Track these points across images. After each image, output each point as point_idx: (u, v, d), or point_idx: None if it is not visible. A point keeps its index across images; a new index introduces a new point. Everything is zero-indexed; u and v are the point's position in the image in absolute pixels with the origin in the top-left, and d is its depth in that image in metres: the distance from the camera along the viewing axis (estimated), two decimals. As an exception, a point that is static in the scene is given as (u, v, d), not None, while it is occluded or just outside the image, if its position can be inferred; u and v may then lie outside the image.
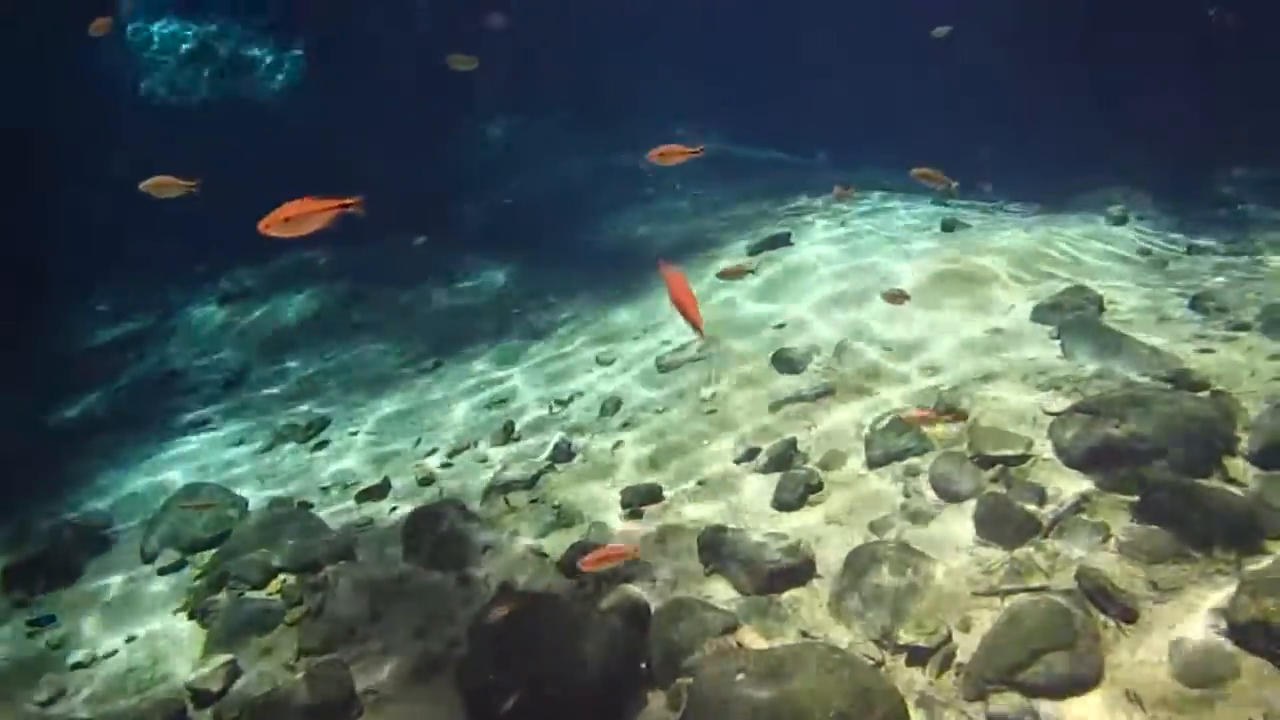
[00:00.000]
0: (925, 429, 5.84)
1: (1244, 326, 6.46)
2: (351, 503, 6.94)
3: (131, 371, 10.70)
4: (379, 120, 13.54)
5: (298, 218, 4.52)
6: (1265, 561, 4.25)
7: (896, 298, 6.41)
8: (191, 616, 5.76)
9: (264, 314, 11.54)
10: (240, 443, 8.49)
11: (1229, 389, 5.62)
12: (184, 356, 10.95)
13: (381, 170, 13.13)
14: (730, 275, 7.54)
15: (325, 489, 7.25)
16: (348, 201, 4.54)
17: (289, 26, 14.70)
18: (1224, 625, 3.92)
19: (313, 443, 8.19)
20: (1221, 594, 4.07)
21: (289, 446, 8.19)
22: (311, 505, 6.89)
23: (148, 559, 6.53)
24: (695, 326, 3.93)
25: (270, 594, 5.75)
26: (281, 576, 5.91)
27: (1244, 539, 4.37)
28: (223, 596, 5.76)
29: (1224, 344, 6.28)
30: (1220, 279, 7.78)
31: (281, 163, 9.35)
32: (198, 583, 6.03)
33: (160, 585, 6.23)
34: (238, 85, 14.29)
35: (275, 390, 9.80)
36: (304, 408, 9.10)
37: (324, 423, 8.52)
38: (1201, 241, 9.36)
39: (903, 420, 5.93)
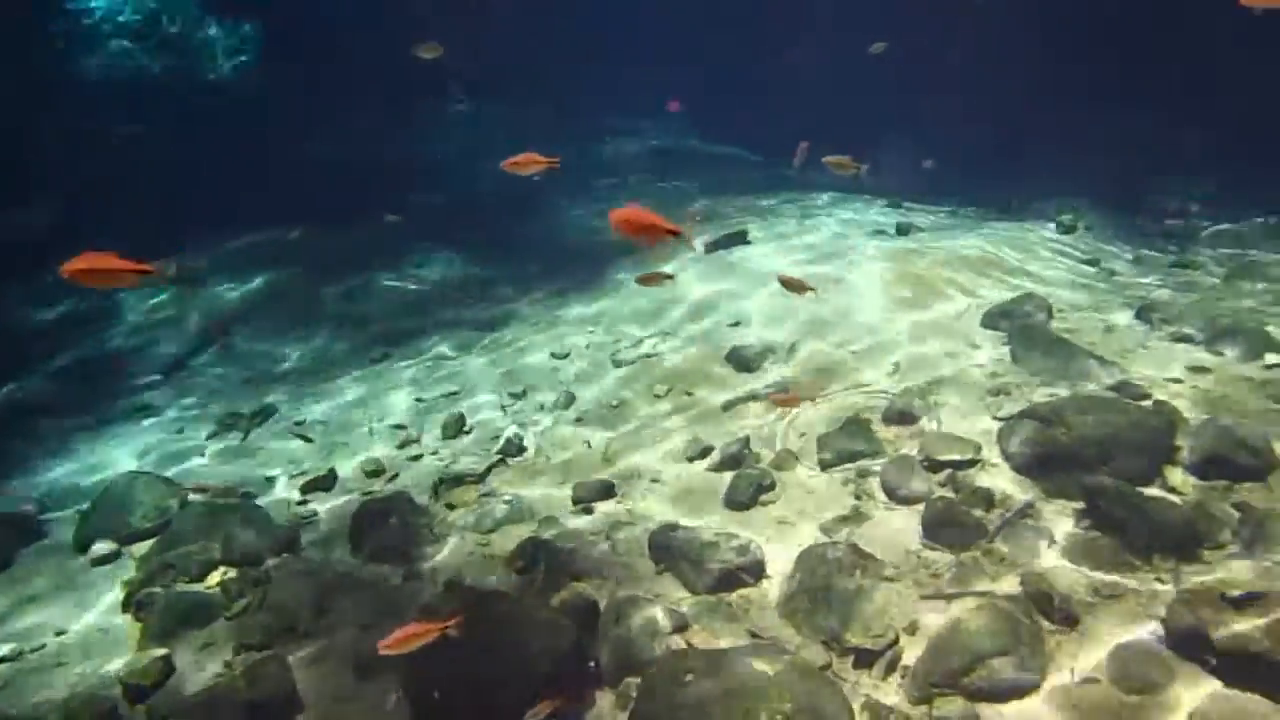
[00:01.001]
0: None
1: (1186, 338, 6.62)
2: (296, 494, 6.78)
3: (69, 354, 10.34)
4: (335, 102, 13.28)
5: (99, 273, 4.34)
6: (1202, 570, 4.35)
7: (797, 286, 6.41)
8: (127, 610, 5.58)
9: (211, 298, 11.23)
10: (182, 430, 8.25)
11: (1171, 399, 5.75)
12: (126, 340, 10.61)
13: (335, 153, 12.91)
14: (649, 283, 7.50)
15: (269, 479, 7.08)
16: (146, 267, 4.35)
17: (244, 3, 14.33)
18: (1161, 633, 4.00)
19: (257, 431, 7.99)
20: (1160, 602, 4.15)
21: (233, 435, 7.98)
22: (255, 496, 6.73)
23: (82, 549, 6.31)
24: (672, 233, 3.84)
25: (209, 587, 5.59)
26: (222, 569, 5.75)
27: (1183, 548, 4.47)
28: (160, 589, 5.59)
29: (1167, 355, 6.42)
30: (1165, 290, 7.96)
31: (233, 144, 9.12)
32: (134, 575, 5.84)
33: (95, 577, 6.02)
34: (188, 63, 13.87)
35: (220, 377, 9.55)
36: (250, 395, 8.88)
37: (270, 411, 8.32)
38: (1148, 252, 9.58)
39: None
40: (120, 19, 13.77)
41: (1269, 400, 5.65)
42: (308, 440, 7.30)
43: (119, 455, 7.86)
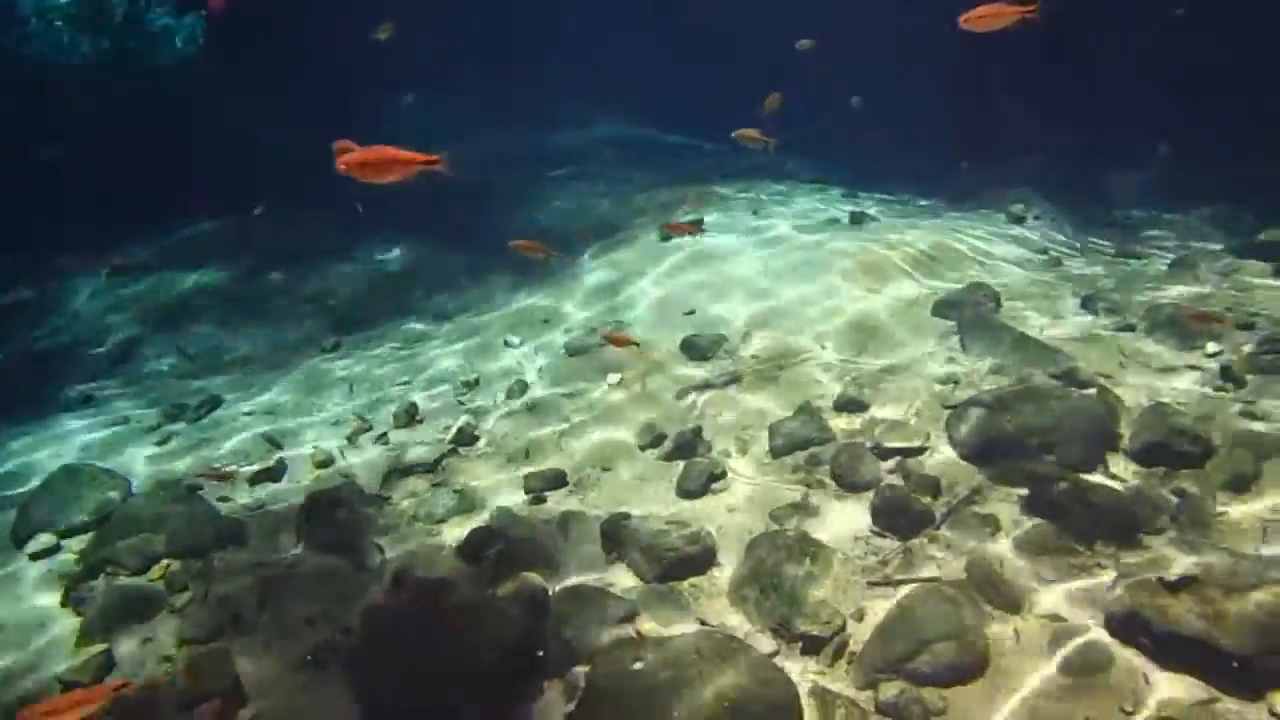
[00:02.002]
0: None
1: (1130, 327, 6.74)
2: (244, 485, 6.66)
3: (10, 346, 10.05)
4: (283, 91, 13.00)
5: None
6: (1141, 555, 4.44)
7: (690, 226, 6.48)
8: (66, 604, 5.44)
9: (157, 288, 10.97)
10: (126, 421, 8.06)
11: (1114, 386, 5.86)
12: (68, 330, 10.34)
13: (284, 142, 12.63)
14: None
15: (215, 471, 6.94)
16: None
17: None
18: (1101, 617, 4.08)
19: (203, 423, 7.83)
20: (1101, 586, 4.23)
21: (179, 426, 7.81)
22: (200, 488, 6.59)
23: (19, 543, 6.14)
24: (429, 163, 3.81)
25: (152, 580, 5.47)
26: (165, 562, 5.63)
27: (1123, 533, 4.56)
28: (100, 583, 5.46)
29: (1112, 343, 6.53)
30: (1110, 279, 8.10)
31: (177, 132, 8.89)
32: (74, 569, 5.70)
33: (32, 571, 5.86)
34: (131, 48, 13.46)
35: (166, 368, 9.34)
36: (196, 386, 8.71)
37: (216, 402, 8.16)
38: (1095, 242, 9.74)
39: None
40: (57, 2, 13.35)
41: (1208, 389, 5.77)
42: (277, 446, 7.16)
43: (60, 447, 7.65)
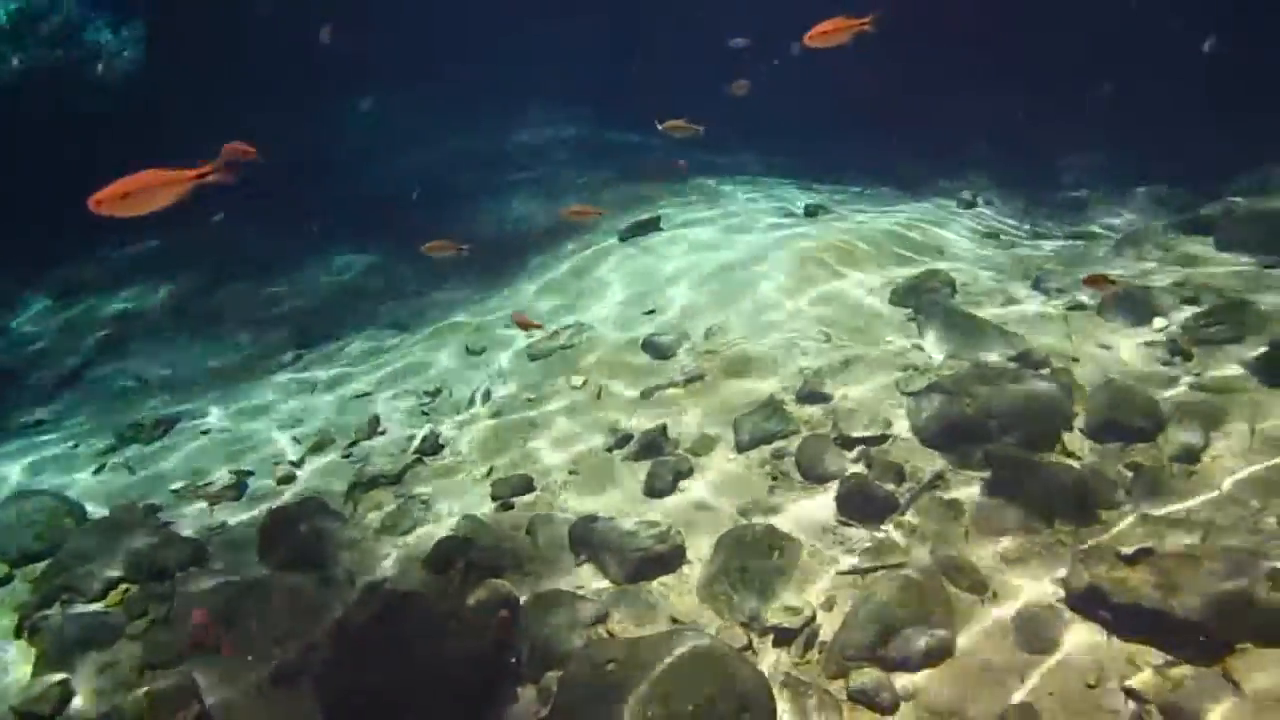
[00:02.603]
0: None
1: (1080, 306, 6.87)
2: (204, 505, 6.54)
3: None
4: (231, 101, 12.77)
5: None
6: (1099, 530, 4.53)
7: (591, 209, 6.63)
8: (20, 634, 5.30)
9: (106, 306, 10.73)
10: (78, 444, 7.87)
11: (1068, 366, 5.97)
12: (14, 352, 10.07)
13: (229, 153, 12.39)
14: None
15: (175, 491, 6.80)
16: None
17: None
18: (1062, 593, 4.15)
19: (160, 443, 7.68)
20: (1061, 563, 4.31)
21: (133, 447, 7.64)
22: (159, 509, 6.46)
23: (-31, 574, 5.97)
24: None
25: (110, 606, 5.35)
26: (123, 587, 5.51)
27: (1081, 510, 4.65)
28: (56, 611, 5.33)
29: (1063, 323, 6.65)
30: (1059, 260, 8.25)
31: (119, 144, 8.66)
32: (27, 598, 5.55)
33: (-16, 604, 5.70)
34: (67, 59, 13.13)
35: (118, 387, 9.14)
36: (151, 405, 8.52)
37: (173, 421, 7.99)
38: (1044, 225, 9.91)
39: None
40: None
41: (1157, 363, 5.91)
42: (237, 462, 7.04)
43: (8, 472, 7.45)
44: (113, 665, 4.90)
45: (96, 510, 6.53)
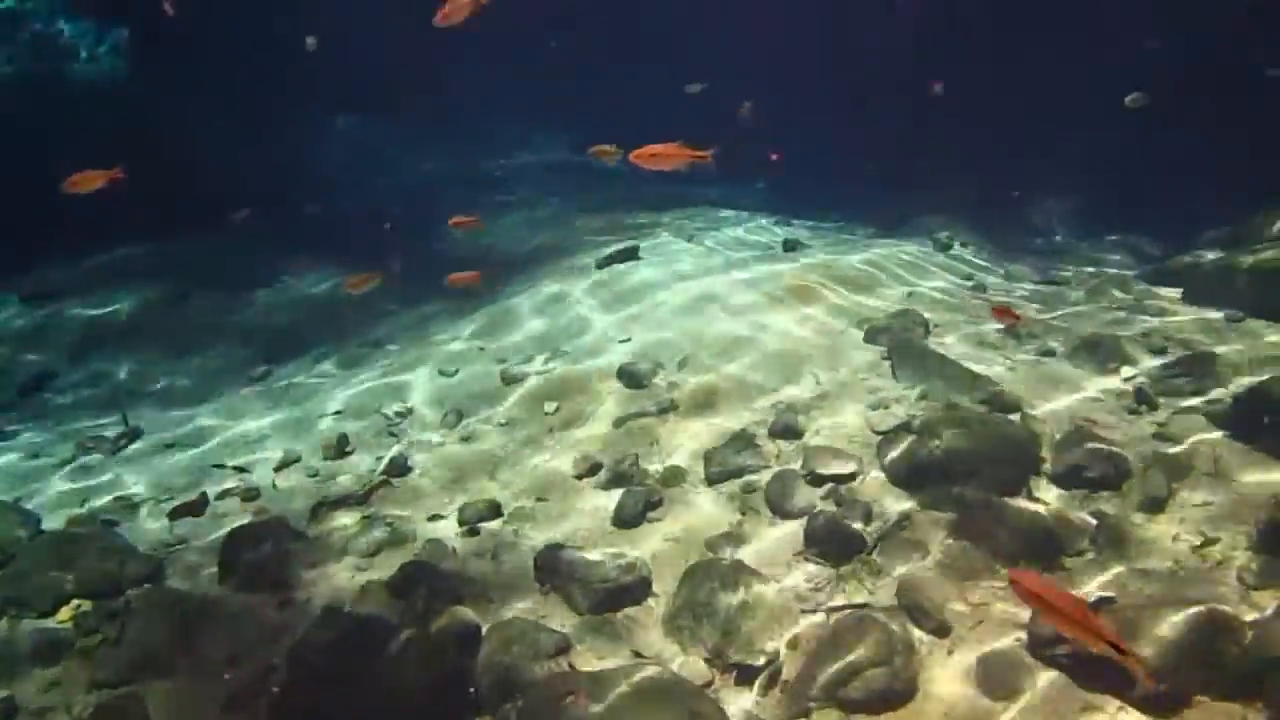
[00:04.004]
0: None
1: (1050, 352, 6.95)
2: (164, 521, 6.42)
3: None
4: (211, 110, 12.74)
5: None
6: (1063, 576, 4.55)
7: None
8: (-35, 649, 5.15)
9: (72, 315, 10.56)
10: (37, 455, 7.72)
11: (1036, 411, 6.03)
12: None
13: (211, 164, 12.37)
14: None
15: (134, 506, 6.68)
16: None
17: (113, 4, 13.59)
18: (1025, 639, 4.16)
19: (122, 455, 7.54)
20: (1025, 609, 4.32)
21: (95, 459, 7.50)
22: (116, 524, 6.33)
23: (-84, 585, 5.80)
24: None
25: (60, 622, 5.22)
26: (75, 602, 5.38)
27: (1046, 555, 4.67)
28: (3, 625, 5.18)
29: (1033, 368, 6.73)
30: (1032, 306, 8.36)
31: (96, 152, 8.57)
32: (-25, 611, 5.40)
33: (-70, 615, 5.54)
34: (47, 66, 13.03)
35: (82, 398, 8.99)
36: (114, 417, 8.38)
37: (136, 434, 7.86)
38: (1018, 268, 10.05)
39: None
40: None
41: (1124, 412, 5.98)
42: (243, 470, 6.93)
43: (-36, 482, 7.29)
44: (59, 683, 4.78)
45: (52, 523, 6.38)
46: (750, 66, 12.00)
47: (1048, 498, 5.23)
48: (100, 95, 13.06)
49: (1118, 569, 4.40)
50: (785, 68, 12.03)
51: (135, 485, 7.03)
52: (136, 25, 13.66)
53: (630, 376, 7.23)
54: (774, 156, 11.77)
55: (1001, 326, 7.18)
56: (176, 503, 6.55)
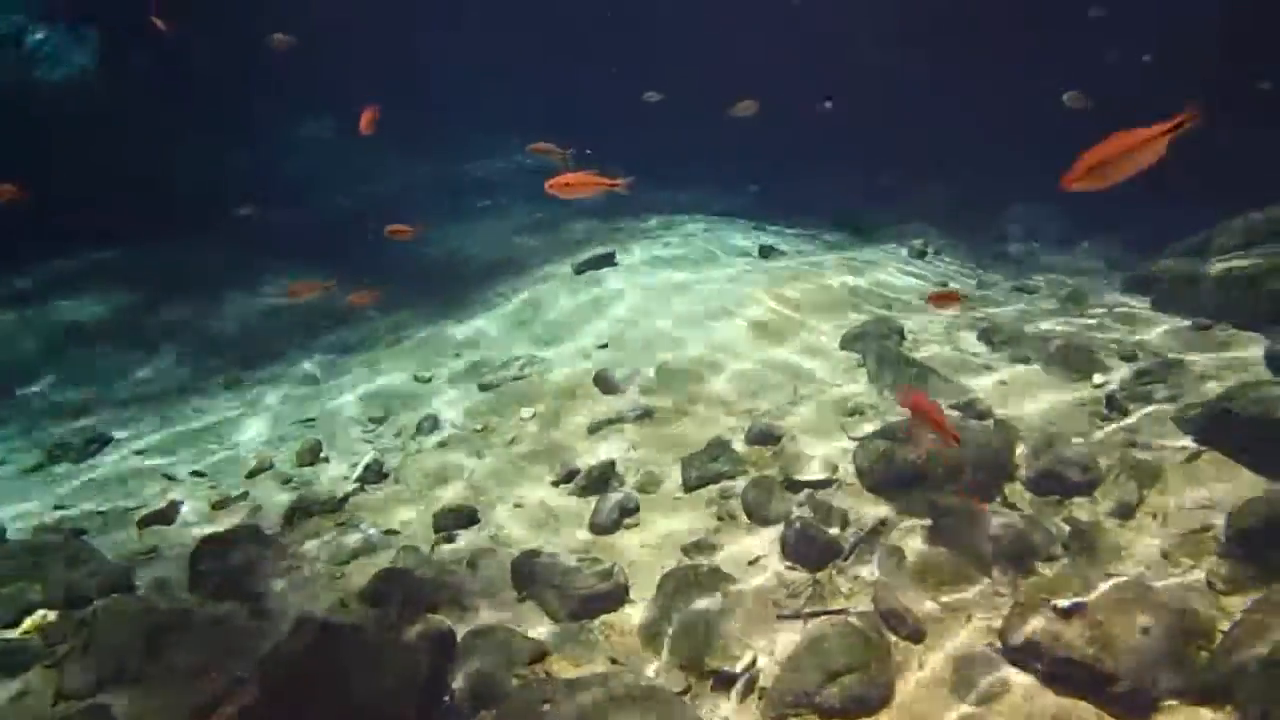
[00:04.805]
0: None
1: (1024, 359, 7.02)
2: (133, 530, 6.32)
3: None
4: (183, 115, 12.61)
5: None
6: (1036, 582, 4.58)
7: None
8: (-74, 661, 5.04)
9: (38, 319, 10.40)
10: (3, 461, 7.58)
11: (1009, 417, 6.08)
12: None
13: (181, 169, 12.24)
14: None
15: (102, 514, 6.57)
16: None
17: (81, 8, 13.41)
18: (999, 644, 4.19)
19: (90, 463, 7.42)
20: (999, 614, 4.35)
21: (61, 467, 7.38)
22: (85, 532, 6.22)
23: (-125, 595, 5.67)
24: None
25: (25, 633, 5.12)
26: (41, 613, 5.28)
27: (1019, 561, 4.71)
28: (-33, 637, 5.08)
29: (1007, 374, 6.79)
30: (1006, 311, 8.44)
31: (62, 157, 8.47)
32: (-63, 622, 5.29)
33: (-110, 626, 5.41)
34: (17, 72, 12.84)
35: (48, 404, 8.83)
36: (82, 423, 8.25)
37: (105, 440, 7.74)
38: (991, 276, 10.15)
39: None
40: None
41: (1095, 419, 6.04)
42: (170, 485, 6.82)
43: (-73, 489, 7.14)
44: (24, 694, 4.68)
45: (17, 531, 6.27)
46: (735, 72, 12.02)
47: (1022, 503, 5.27)
48: (70, 101, 12.88)
49: (1090, 574, 4.43)
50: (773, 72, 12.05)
51: (103, 493, 6.91)
52: (106, 30, 13.50)
53: (606, 382, 7.22)
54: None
55: (951, 313, 7.35)
56: (146, 511, 6.46)
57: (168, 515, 6.42)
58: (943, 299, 7.01)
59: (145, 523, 6.33)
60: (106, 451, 7.60)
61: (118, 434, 7.92)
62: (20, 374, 9.44)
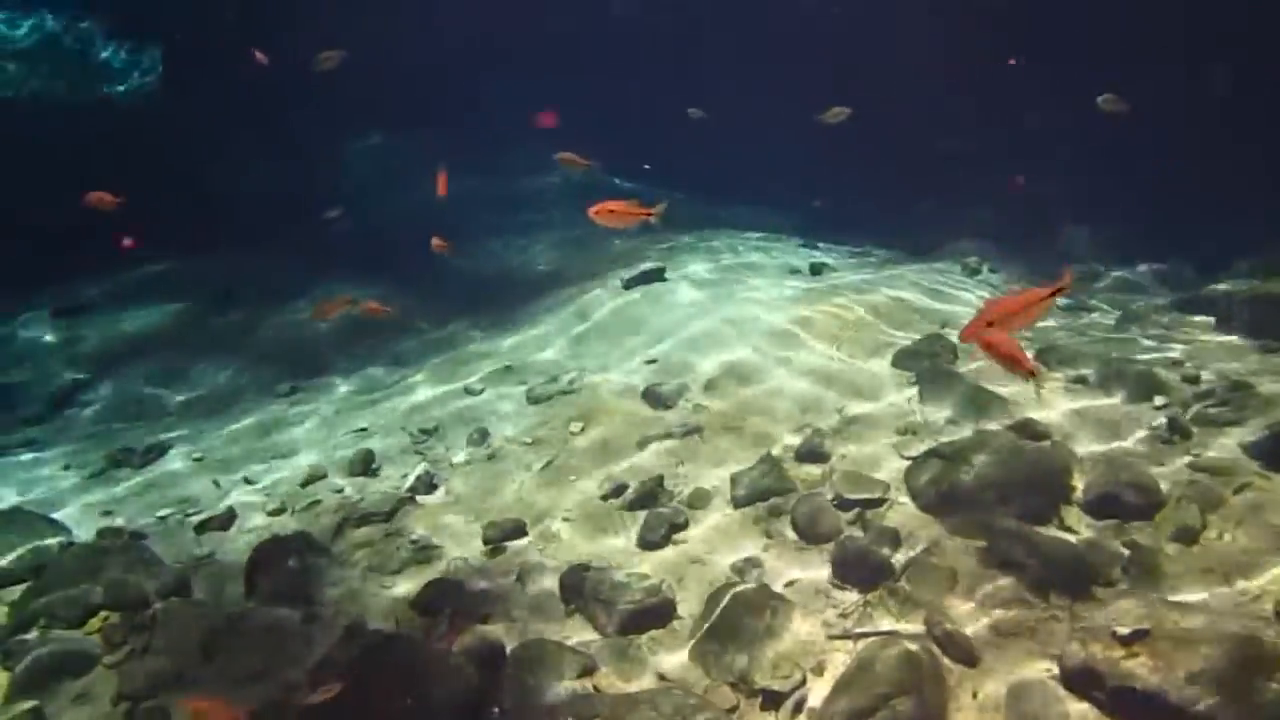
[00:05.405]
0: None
1: (1082, 380, 6.87)
2: (191, 534, 6.47)
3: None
4: (240, 129, 12.95)
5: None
6: (1095, 607, 4.47)
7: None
8: (-6, 659, 5.20)
9: (103, 329, 10.73)
10: (68, 467, 7.81)
11: (1067, 439, 5.96)
12: (8, 372, 10.04)
13: (239, 182, 12.55)
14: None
15: (162, 519, 6.74)
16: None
17: (145, 25, 13.88)
18: (1056, 671, 4.09)
19: (151, 469, 7.62)
20: (1056, 639, 4.25)
21: (124, 472, 7.58)
22: (145, 536, 6.38)
23: (-53, 594, 5.88)
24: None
25: (88, 633, 5.27)
26: (104, 614, 5.42)
27: (1077, 586, 4.60)
28: (33, 636, 5.23)
29: (1063, 396, 6.65)
30: (1062, 332, 8.28)
31: (128, 170, 8.75)
32: (4, 621, 5.45)
33: (-40, 624, 5.60)
34: (84, 84, 13.33)
35: (111, 411, 9.10)
36: (143, 430, 8.48)
37: (164, 447, 7.94)
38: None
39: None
40: (8, 35, 13.18)
41: (1156, 441, 5.89)
42: (226, 492, 7.00)
43: (-2, 492, 7.39)
44: (87, 695, 4.81)
45: (82, 534, 6.45)
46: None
47: (1079, 526, 5.15)
48: (135, 115, 13.32)
49: (1152, 600, 4.32)
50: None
51: (163, 498, 7.09)
52: (170, 47, 13.95)
53: (655, 397, 7.23)
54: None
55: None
56: (204, 516, 6.61)
57: (224, 522, 6.56)
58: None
59: (202, 528, 6.48)
60: (166, 459, 7.79)
61: (177, 442, 8.12)
62: (85, 382, 9.74)
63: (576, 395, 7.58)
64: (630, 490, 6.13)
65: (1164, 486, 5.26)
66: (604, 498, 6.20)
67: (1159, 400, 6.37)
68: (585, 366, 8.12)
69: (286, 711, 4.51)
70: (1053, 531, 5.06)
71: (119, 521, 6.72)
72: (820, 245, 11.98)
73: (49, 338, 10.70)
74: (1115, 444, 5.89)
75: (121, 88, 13.51)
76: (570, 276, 10.88)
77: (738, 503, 5.87)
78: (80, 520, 6.77)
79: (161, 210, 11.14)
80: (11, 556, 5.97)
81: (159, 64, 13.71)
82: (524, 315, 9.94)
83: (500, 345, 9.21)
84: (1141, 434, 6.02)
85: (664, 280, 9.77)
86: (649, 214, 5.98)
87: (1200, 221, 10.68)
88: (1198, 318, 8.34)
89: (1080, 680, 3.97)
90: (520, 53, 15.70)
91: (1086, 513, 5.26)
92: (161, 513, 6.82)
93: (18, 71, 13.09)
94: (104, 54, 13.59)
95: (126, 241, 10.61)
